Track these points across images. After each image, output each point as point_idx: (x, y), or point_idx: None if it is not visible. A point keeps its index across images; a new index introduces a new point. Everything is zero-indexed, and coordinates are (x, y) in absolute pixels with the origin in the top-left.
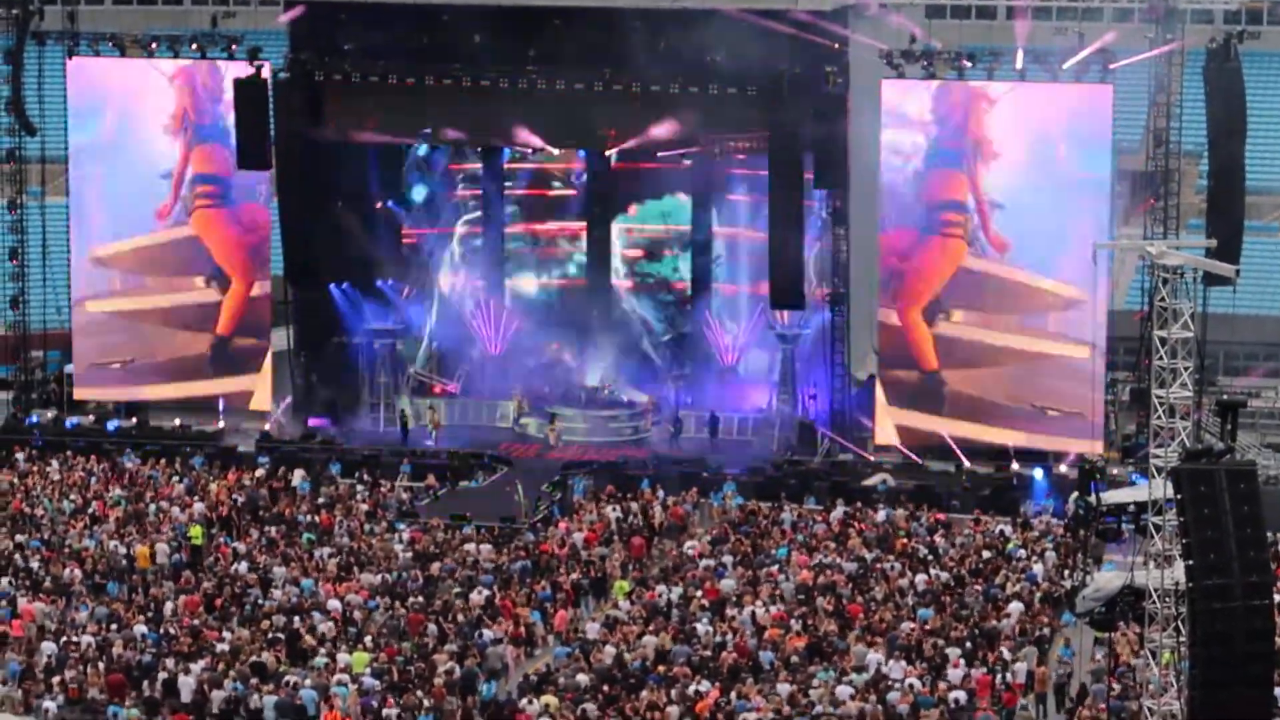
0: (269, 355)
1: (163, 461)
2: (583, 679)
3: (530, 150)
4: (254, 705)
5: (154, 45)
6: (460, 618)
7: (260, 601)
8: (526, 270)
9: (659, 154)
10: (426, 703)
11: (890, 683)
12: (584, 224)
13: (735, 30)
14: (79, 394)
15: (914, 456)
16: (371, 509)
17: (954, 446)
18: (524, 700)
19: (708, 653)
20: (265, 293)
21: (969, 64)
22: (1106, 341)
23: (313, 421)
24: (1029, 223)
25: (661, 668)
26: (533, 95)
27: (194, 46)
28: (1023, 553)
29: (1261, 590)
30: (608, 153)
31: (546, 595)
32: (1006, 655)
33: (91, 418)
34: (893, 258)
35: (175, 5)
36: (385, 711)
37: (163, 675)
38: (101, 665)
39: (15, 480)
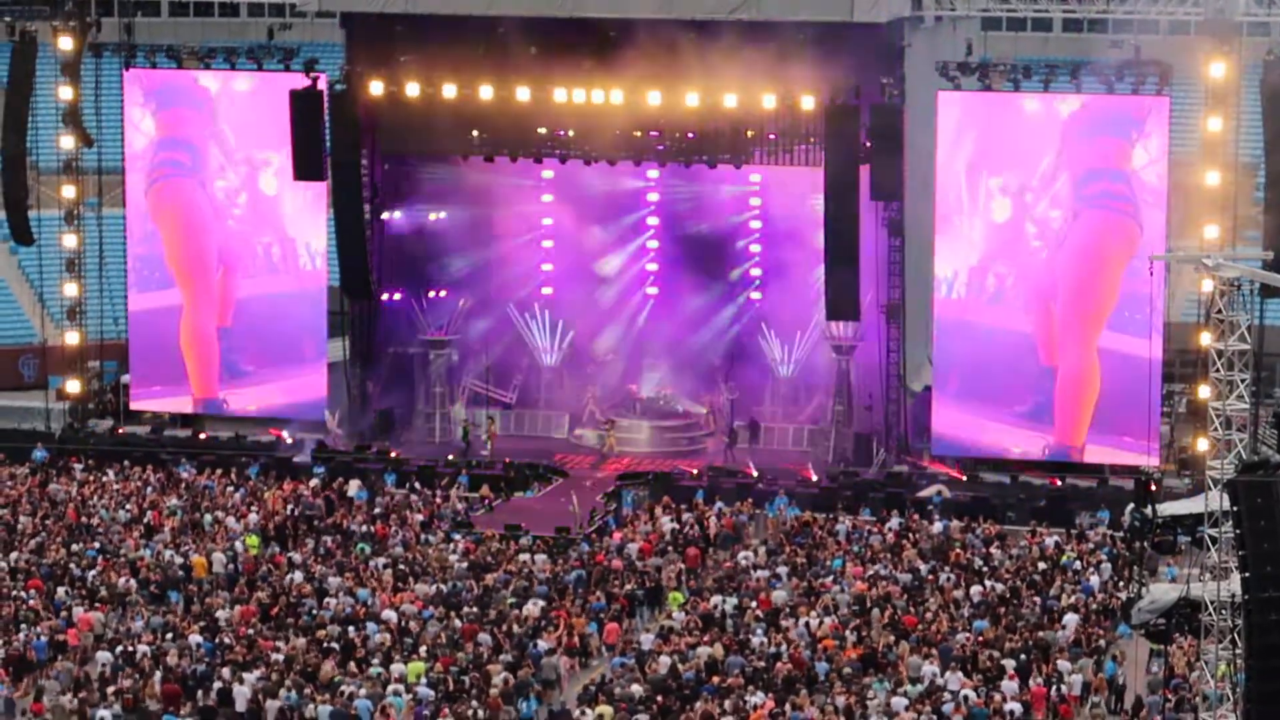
0: None
1: (218, 472)
2: (637, 689)
3: (585, 162)
4: (309, 715)
5: (210, 57)
6: (515, 628)
7: (315, 611)
8: (580, 281)
9: (715, 165)
10: (481, 713)
11: (945, 694)
12: (640, 236)
13: (791, 42)
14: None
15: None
16: (427, 519)
17: None
18: (578, 711)
19: (762, 664)
20: None
21: (1025, 77)
22: (1163, 353)
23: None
24: None
25: (716, 678)
26: (588, 106)
27: (250, 58)
28: (1078, 564)
29: None
30: (664, 163)
31: (600, 606)
32: (1063, 667)
33: (148, 428)
34: None
35: (232, 17)
36: None
37: (218, 685)
38: (157, 675)
39: (72, 489)
